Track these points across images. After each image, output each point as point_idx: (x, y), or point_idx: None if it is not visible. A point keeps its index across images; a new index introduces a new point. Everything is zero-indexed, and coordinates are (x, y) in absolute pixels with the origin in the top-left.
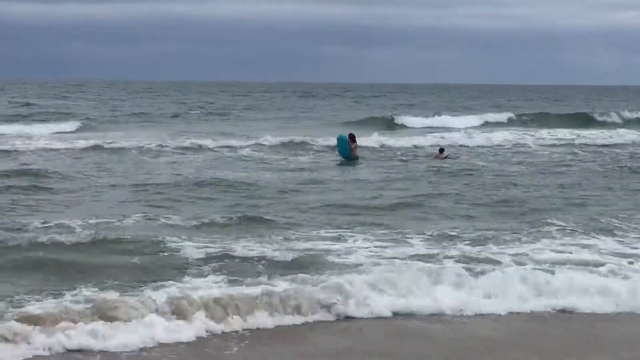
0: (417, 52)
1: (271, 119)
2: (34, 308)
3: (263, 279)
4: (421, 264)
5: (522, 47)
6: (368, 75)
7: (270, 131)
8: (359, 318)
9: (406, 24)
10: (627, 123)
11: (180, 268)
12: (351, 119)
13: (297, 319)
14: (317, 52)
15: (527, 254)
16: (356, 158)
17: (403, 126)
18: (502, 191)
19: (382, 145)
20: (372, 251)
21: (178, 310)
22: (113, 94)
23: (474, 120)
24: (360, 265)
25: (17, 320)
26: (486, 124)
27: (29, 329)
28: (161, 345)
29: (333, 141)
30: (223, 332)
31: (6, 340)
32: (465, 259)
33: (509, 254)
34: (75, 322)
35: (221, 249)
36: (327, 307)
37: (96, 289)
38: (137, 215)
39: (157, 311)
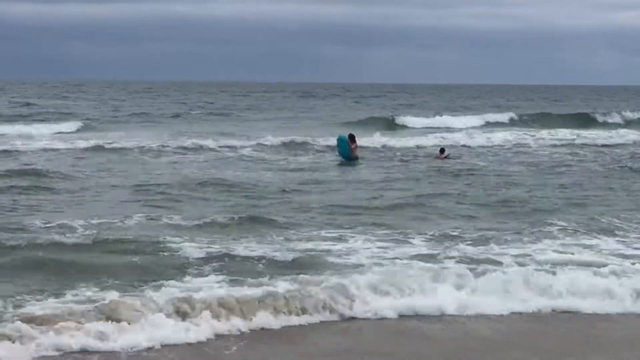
0: (417, 52)
1: (271, 119)
2: (37, 308)
3: (264, 279)
4: (422, 264)
5: (522, 47)
6: (368, 75)
7: (271, 131)
8: (359, 318)
9: (406, 24)
10: (628, 123)
11: (181, 268)
12: (351, 119)
13: (298, 320)
14: (317, 52)
15: (529, 255)
16: (356, 158)
17: (404, 126)
18: (503, 191)
19: (383, 146)
20: (373, 251)
21: (183, 311)
22: (113, 94)
23: (474, 120)
24: (362, 265)
25: (21, 320)
26: (487, 124)
27: (34, 329)
28: (163, 345)
29: (333, 141)
30: (227, 332)
31: (11, 340)
32: (466, 260)
33: (510, 255)
34: (81, 322)
35: (222, 249)
36: (328, 308)
37: (98, 289)
38: (139, 215)
39: (161, 312)
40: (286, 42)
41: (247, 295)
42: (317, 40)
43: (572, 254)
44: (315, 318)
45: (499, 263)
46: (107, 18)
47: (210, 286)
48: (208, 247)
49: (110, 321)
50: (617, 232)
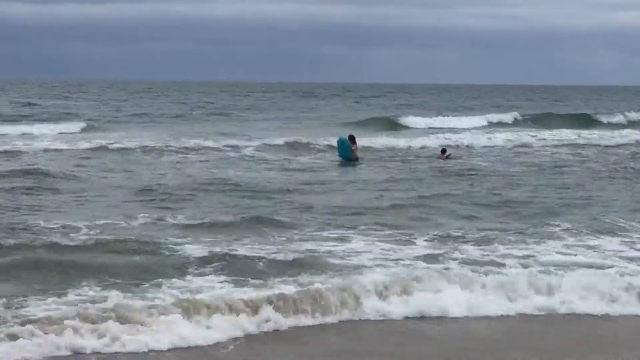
0: (417, 52)
1: (272, 119)
2: (40, 309)
3: (266, 279)
4: (425, 264)
5: (522, 47)
6: (368, 75)
7: (272, 131)
8: (360, 319)
9: (406, 24)
10: (631, 124)
11: (184, 268)
12: (353, 119)
13: (300, 320)
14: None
15: (532, 255)
16: (356, 159)
17: (405, 127)
18: (506, 192)
19: (385, 146)
20: (376, 252)
21: (187, 312)
22: (114, 94)
23: (476, 120)
24: (364, 266)
25: (30, 322)
26: (489, 124)
27: (40, 330)
28: (169, 349)
29: (335, 142)
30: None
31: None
32: (469, 260)
33: (513, 255)
34: (93, 323)
35: (225, 249)
36: (329, 308)
37: (101, 290)
38: (141, 215)
39: (171, 313)
40: (286, 42)
41: (247, 296)
42: (317, 40)
43: (575, 254)
44: (315, 319)
45: (502, 264)
46: (107, 18)
47: (212, 287)
48: (211, 247)
49: (120, 323)
50: (620, 232)
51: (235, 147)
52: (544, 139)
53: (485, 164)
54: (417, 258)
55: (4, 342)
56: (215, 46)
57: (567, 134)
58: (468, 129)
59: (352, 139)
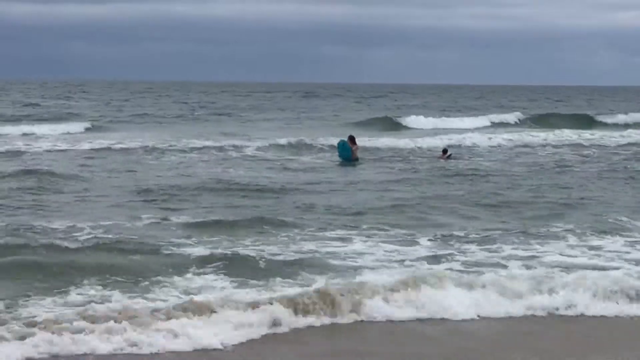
0: (417, 52)
1: (274, 120)
2: (43, 310)
3: (268, 280)
4: (428, 265)
5: (522, 47)
6: (368, 75)
7: (274, 131)
8: (360, 319)
9: (406, 24)
10: (632, 124)
11: (185, 269)
12: (354, 119)
13: (300, 320)
14: (317, 52)
15: (535, 256)
16: (356, 159)
17: (407, 127)
18: (508, 192)
19: (386, 146)
20: (378, 252)
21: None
22: (115, 94)
23: (478, 120)
24: (366, 267)
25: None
26: (491, 124)
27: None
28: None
29: (337, 142)
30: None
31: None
32: (471, 260)
33: (515, 255)
34: (95, 323)
35: (227, 249)
36: (331, 309)
37: (105, 290)
38: (144, 215)
39: (168, 314)
40: (286, 42)
41: (249, 296)
42: (317, 40)
43: (578, 255)
44: (316, 319)
45: (505, 265)
46: (107, 18)
47: (214, 286)
48: (213, 247)
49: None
50: (623, 232)
51: (237, 147)
52: (546, 139)
53: (487, 164)
54: (419, 259)
55: (6, 342)
56: (215, 46)
57: (569, 134)
58: (470, 130)
59: (352, 139)
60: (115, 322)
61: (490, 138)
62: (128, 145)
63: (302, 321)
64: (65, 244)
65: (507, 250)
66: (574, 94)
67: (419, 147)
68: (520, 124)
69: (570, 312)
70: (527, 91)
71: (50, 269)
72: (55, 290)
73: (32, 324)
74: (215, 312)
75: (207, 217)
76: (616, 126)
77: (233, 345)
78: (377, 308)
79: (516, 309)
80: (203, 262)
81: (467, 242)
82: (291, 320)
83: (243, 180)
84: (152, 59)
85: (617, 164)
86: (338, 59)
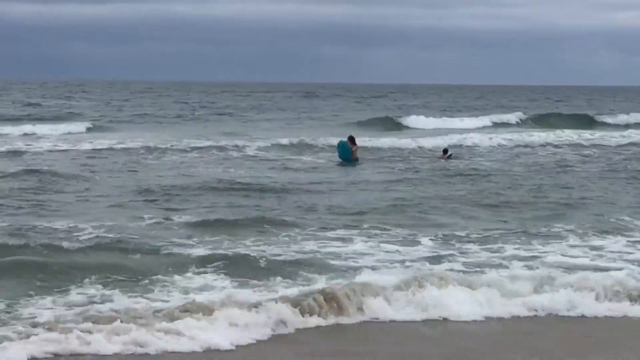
0: (417, 52)
1: (274, 120)
2: (44, 310)
3: (268, 280)
4: (429, 265)
5: (522, 47)
6: (368, 75)
7: (274, 131)
8: (361, 320)
9: (406, 24)
10: (633, 124)
11: (187, 268)
12: (355, 119)
13: (301, 320)
14: (317, 52)
15: (536, 256)
16: (356, 160)
17: (408, 127)
18: (509, 192)
19: (387, 146)
20: (379, 253)
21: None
22: (115, 94)
23: (479, 121)
24: (367, 267)
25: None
26: (492, 124)
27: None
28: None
29: (337, 142)
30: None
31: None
32: (472, 261)
33: (517, 256)
34: (97, 323)
35: (228, 249)
36: (333, 309)
37: (106, 291)
38: (145, 215)
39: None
40: (286, 42)
41: (250, 296)
42: (317, 40)
43: (579, 255)
44: (317, 319)
45: (506, 265)
46: (107, 18)
47: (215, 286)
48: (214, 247)
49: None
50: (625, 232)
51: (238, 147)
52: (547, 140)
53: (487, 163)
54: (420, 259)
55: (9, 342)
56: (215, 46)
57: (570, 135)
58: (472, 130)
59: (352, 139)
60: (121, 322)
61: (490, 138)
62: (129, 145)
63: (305, 322)
64: (67, 243)
65: (509, 250)
66: (574, 94)
67: (419, 147)
68: (521, 124)
69: (571, 313)
70: (527, 91)
71: (51, 269)
72: (57, 290)
73: (35, 324)
74: (218, 312)
75: (209, 216)
76: (617, 126)
77: (236, 345)
78: (378, 308)
79: (517, 309)
80: (204, 262)
81: (469, 242)
82: (295, 321)
83: (244, 179)
84: (152, 59)
85: (618, 164)
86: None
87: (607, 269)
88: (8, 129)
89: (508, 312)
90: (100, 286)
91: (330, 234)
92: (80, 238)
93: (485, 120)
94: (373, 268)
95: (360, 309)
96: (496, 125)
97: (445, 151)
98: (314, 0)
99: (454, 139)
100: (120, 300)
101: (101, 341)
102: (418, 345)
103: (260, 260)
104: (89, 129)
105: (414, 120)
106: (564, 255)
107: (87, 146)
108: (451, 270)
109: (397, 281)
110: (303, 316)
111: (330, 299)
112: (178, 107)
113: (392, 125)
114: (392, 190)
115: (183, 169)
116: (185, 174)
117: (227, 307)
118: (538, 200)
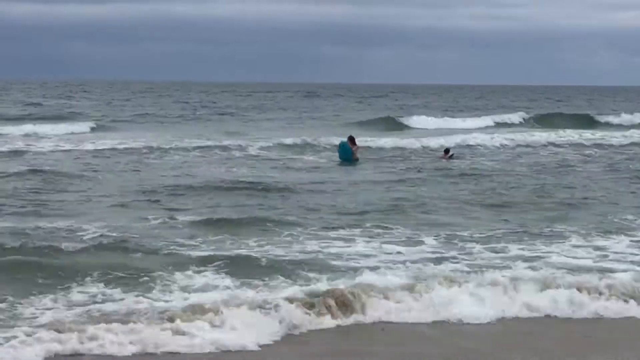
0: (417, 52)
1: (276, 119)
2: (46, 310)
3: (270, 280)
4: (432, 265)
5: (522, 47)
6: (368, 75)
7: (276, 131)
8: (360, 320)
9: (406, 24)
10: (634, 124)
11: (188, 268)
12: (356, 119)
13: (301, 321)
14: (317, 52)
15: (539, 257)
16: (356, 160)
17: (409, 127)
18: (512, 192)
19: (388, 146)
20: (381, 253)
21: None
22: (116, 94)
23: (480, 121)
24: (369, 267)
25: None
26: (494, 124)
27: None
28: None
29: (339, 142)
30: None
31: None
32: (474, 261)
33: (520, 256)
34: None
35: (230, 249)
36: (334, 309)
37: (108, 290)
38: (148, 215)
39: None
40: (286, 42)
41: (252, 297)
42: (317, 40)
43: (582, 256)
44: (318, 319)
45: (508, 265)
46: (107, 18)
47: (217, 285)
48: (217, 247)
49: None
50: (628, 232)
51: (240, 147)
52: (549, 139)
53: (489, 163)
54: (423, 259)
55: (8, 342)
56: (215, 46)
57: (574, 134)
58: (474, 130)
59: (352, 140)
60: (126, 322)
61: (492, 138)
62: (132, 145)
63: (311, 322)
64: (70, 243)
65: (512, 250)
66: (574, 94)
67: (421, 147)
68: (523, 123)
69: (569, 312)
70: (527, 91)
71: (54, 269)
72: (59, 288)
73: (38, 324)
74: (213, 312)
75: (211, 216)
76: (619, 126)
77: (240, 346)
78: (379, 308)
79: (516, 309)
80: (207, 262)
81: (471, 242)
82: (302, 322)
83: (246, 179)
84: (152, 59)
85: (620, 164)
86: (338, 59)
87: (610, 270)
88: (9, 128)
89: (510, 313)
90: (102, 286)
91: (332, 233)
92: (83, 238)
93: (487, 120)
94: (375, 268)
95: (363, 310)
96: (498, 125)
97: (446, 151)
98: (314, 0)
99: (457, 139)
100: (125, 299)
101: (107, 341)
102: (418, 345)
103: (262, 260)
104: (95, 129)
105: (416, 120)
106: (567, 257)
107: (89, 146)
108: (454, 270)
109: (399, 281)
110: (309, 317)
111: (339, 299)
112: (179, 107)
113: (394, 125)
114: (394, 190)
115: (185, 169)
116: (187, 173)
117: (232, 307)
118: (541, 200)
